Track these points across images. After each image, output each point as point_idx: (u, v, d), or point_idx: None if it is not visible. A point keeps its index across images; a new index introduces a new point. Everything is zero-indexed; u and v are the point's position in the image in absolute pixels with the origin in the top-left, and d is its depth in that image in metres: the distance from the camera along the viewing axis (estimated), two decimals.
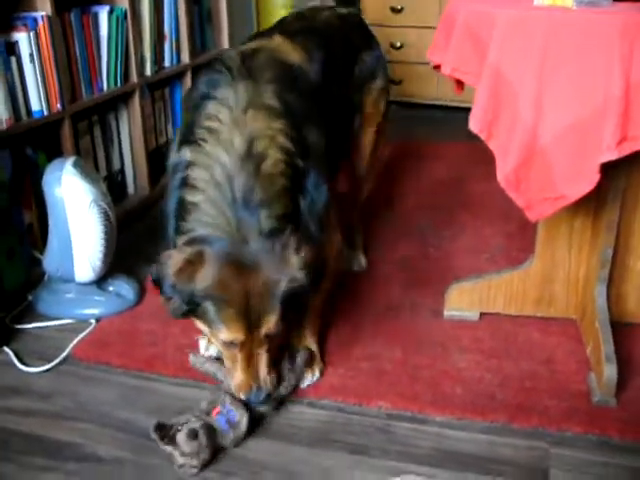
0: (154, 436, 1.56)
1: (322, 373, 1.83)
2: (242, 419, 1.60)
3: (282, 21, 2.23)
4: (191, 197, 1.57)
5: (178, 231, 1.59)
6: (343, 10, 2.32)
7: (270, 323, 1.53)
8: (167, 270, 1.50)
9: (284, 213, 1.56)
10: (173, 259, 1.50)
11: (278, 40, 1.91)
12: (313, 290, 1.58)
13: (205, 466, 1.55)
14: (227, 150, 1.57)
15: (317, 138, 1.75)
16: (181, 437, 1.56)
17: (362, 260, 2.45)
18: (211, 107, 1.65)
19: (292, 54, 1.86)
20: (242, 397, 1.61)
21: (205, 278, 1.48)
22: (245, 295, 1.49)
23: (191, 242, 1.53)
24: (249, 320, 1.51)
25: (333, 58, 2.01)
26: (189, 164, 1.61)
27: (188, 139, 1.65)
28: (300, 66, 1.84)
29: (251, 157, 1.56)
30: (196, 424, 1.57)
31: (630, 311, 2.00)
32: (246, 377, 1.59)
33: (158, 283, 1.54)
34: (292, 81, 1.77)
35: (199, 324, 1.59)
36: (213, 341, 1.65)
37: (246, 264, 1.49)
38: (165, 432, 1.57)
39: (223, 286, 1.48)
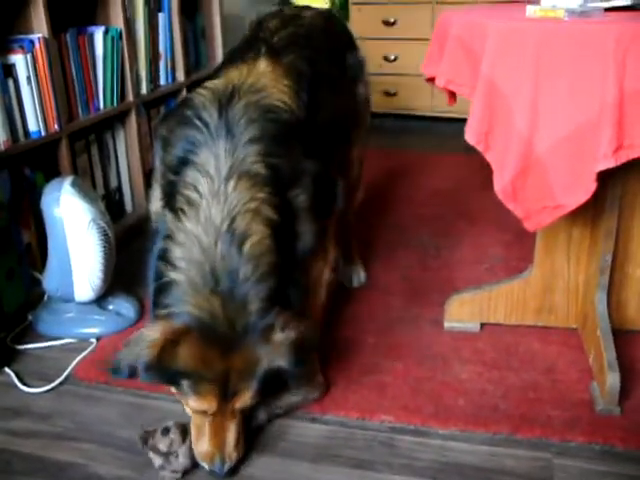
0: (139, 443, 1.57)
1: (324, 389, 1.82)
2: None
3: (262, 26, 2.03)
4: (171, 274, 1.50)
5: (157, 305, 1.54)
6: (323, 9, 2.25)
7: (245, 399, 1.51)
8: (144, 351, 1.41)
9: (272, 293, 1.49)
10: (150, 339, 1.42)
11: (263, 66, 1.74)
12: (298, 369, 1.51)
13: (186, 473, 1.56)
14: (206, 230, 1.49)
15: (304, 196, 1.64)
16: (157, 436, 1.58)
17: (361, 274, 2.44)
18: (190, 175, 1.55)
19: (280, 88, 1.70)
20: (205, 466, 1.57)
21: (185, 355, 1.44)
22: (224, 373, 1.46)
23: (169, 318, 1.47)
24: (224, 395, 1.49)
25: (323, 71, 1.91)
26: (167, 236, 1.54)
27: (170, 204, 1.59)
28: (289, 109, 1.68)
29: (233, 237, 1.48)
30: (169, 423, 1.60)
31: (631, 318, 2.00)
32: (211, 448, 1.55)
33: (123, 366, 1.47)
34: (279, 136, 1.62)
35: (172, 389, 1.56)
36: (184, 404, 1.59)
37: (228, 343, 1.45)
38: (147, 437, 1.59)
39: (204, 365, 1.45)
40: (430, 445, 1.65)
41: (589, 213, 1.87)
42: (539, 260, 2.00)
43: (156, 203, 1.70)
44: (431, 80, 1.88)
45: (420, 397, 1.79)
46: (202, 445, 1.56)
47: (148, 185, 2.97)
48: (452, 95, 1.92)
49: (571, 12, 1.56)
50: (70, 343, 2.10)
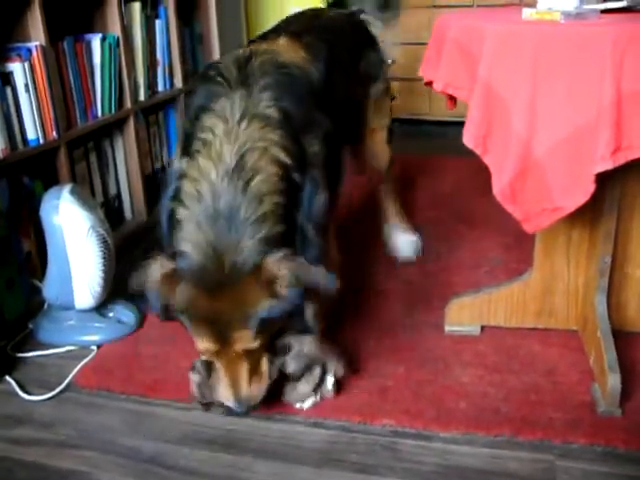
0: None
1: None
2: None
3: (286, 20, 2.19)
4: (179, 212, 1.55)
5: (169, 245, 1.59)
6: (346, 10, 2.33)
7: (244, 339, 1.53)
8: (147, 281, 1.53)
9: (272, 234, 1.50)
10: (151, 273, 1.52)
11: (282, 41, 1.87)
12: (305, 305, 1.55)
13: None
14: (216, 164, 1.54)
15: (318, 147, 1.69)
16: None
17: (418, 243, 2.55)
18: (207, 119, 1.63)
19: (295, 55, 1.80)
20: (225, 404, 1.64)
21: (179, 295, 1.50)
22: (214, 314, 1.49)
23: (171, 257, 1.53)
24: (221, 335, 1.52)
25: (340, 57, 1.99)
26: (181, 176, 1.59)
27: (186, 150, 1.64)
28: (302, 68, 1.78)
29: (240, 172, 1.52)
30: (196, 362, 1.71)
31: (631, 319, 2.00)
32: (225, 388, 1.61)
33: (138, 290, 1.56)
34: (292, 85, 1.70)
35: None
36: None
37: (216, 284, 1.47)
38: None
39: (194, 304, 1.50)
40: (432, 449, 1.65)
41: (588, 215, 1.87)
42: (539, 263, 2.01)
43: (174, 164, 1.72)
44: (429, 84, 1.88)
45: (422, 401, 1.79)
46: (217, 385, 1.62)
47: (147, 191, 2.99)
48: (452, 99, 1.92)
49: (567, 15, 1.56)
50: (71, 351, 2.10)
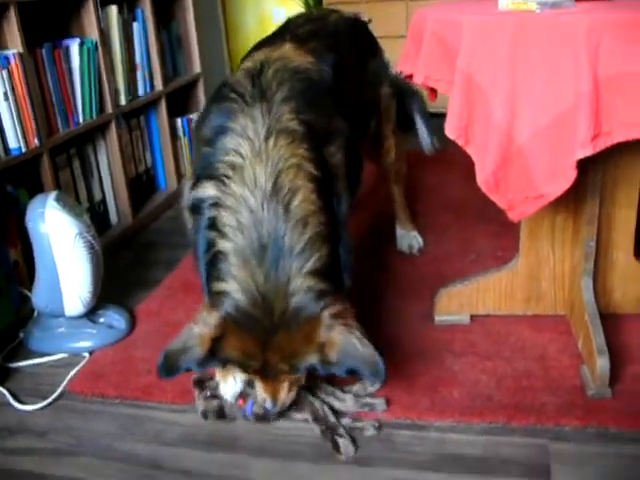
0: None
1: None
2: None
3: (289, 24, 2.13)
4: (220, 244, 1.49)
5: (210, 278, 1.53)
6: (349, 14, 2.32)
7: (289, 379, 1.55)
8: (195, 349, 1.45)
9: (320, 264, 1.46)
10: (199, 339, 1.45)
11: (288, 47, 1.82)
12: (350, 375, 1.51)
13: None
14: (252, 190, 1.48)
15: (340, 155, 1.66)
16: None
17: (419, 239, 2.57)
18: (229, 140, 1.56)
19: (304, 61, 1.76)
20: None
21: (230, 349, 1.46)
22: (264, 362, 1.48)
23: (215, 300, 1.48)
24: (268, 377, 1.53)
25: (346, 62, 1.97)
26: (215, 204, 1.53)
27: (209, 174, 1.57)
28: (315, 73, 1.74)
29: (278, 195, 1.47)
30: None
31: (617, 302, 2.03)
32: (264, 395, 1.60)
33: (175, 364, 1.48)
34: (310, 93, 1.66)
35: None
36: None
37: (266, 332, 1.44)
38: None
39: (245, 355, 1.47)
40: (428, 438, 1.66)
41: (571, 201, 1.89)
42: (524, 250, 2.02)
43: (190, 190, 1.66)
44: (409, 77, 1.89)
45: (415, 391, 1.80)
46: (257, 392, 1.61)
47: (132, 195, 2.99)
48: (433, 91, 1.93)
49: (543, 4, 1.58)
50: (63, 358, 2.09)
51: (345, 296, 1.54)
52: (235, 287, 1.45)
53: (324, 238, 1.50)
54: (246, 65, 1.77)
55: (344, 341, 1.44)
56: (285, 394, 1.59)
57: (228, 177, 1.52)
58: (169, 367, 1.48)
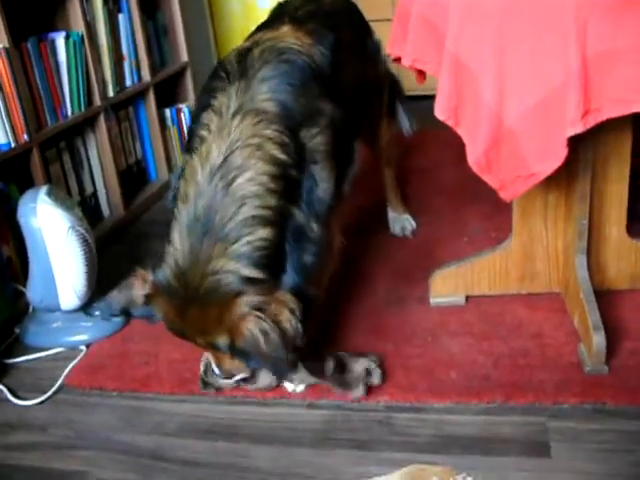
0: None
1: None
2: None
3: (286, 5, 2.10)
4: (175, 213, 1.53)
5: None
6: None
7: (218, 352, 1.59)
8: (133, 300, 1.58)
9: (249, 249, 1.45)
10: (135, 291, 1.57)
11: (285, 28, 1.81)
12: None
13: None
14: (203, 164, 1.49)
15: (321, 138, 1.62)
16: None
17: (411, 222, 2.59)
18: (205, 115, 1.60)
19: (298, 41, 1.74)
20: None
21: (156, 307, 1.55)
22: (182, 330, 1.55)
23: (158, 262, 1.54)
24: (197, 343, 1.58)
25: (346, 41, 1.96)
26: (180, 176, 1.58)
27: (187, 147, 1.63)
28: (305, 53, 1.71)
29: (225, 171, 1.47)
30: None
31: (611, 278, 2.03)
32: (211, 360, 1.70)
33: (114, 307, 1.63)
34: (293, 74, 1.64)
35: None
36: None
37: (183, 302, 1.49)
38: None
39: (166, 318, 1.55)
40: (427, 420, 1.67)
41: (563, 179, 1.89)
42: (517, 229, 2.03)
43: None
44: (397, 60, 1.88)
45: (413, 374, 1.81)
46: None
47: (123, 187, 2.98)
48: (420, 73, 1.92)
49: None
50: (60, 352, 2.09)
51: (288, 291, 1.51)
52: (169, 256, 1.49)
53: (264, 222, 1.47)
54: (241, 45, 1.79)
55: (250, 333, 1.45)
56: (229, 364, 1.64)
57: (194, 150, 1.55)
58: (114, 309, 1.64)
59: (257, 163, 1.49)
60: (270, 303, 1.46)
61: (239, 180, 1.47)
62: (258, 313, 1.44)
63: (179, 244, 1.48)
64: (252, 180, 1.48)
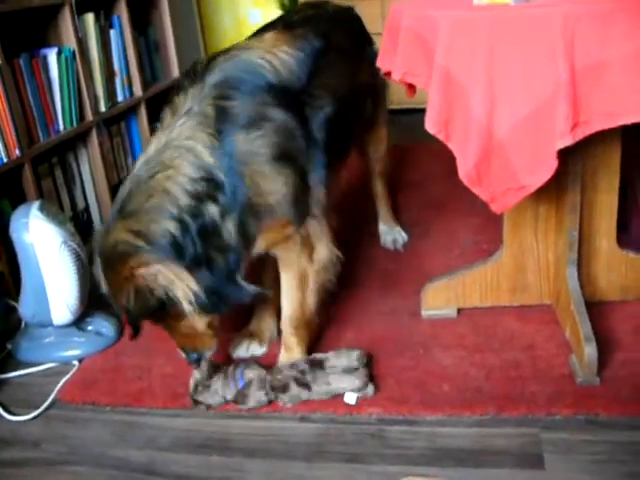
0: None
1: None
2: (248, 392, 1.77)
3: (288, 12, 2.24)
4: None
5: None
6: (345, 5, 2.37)
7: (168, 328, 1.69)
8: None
9: (144, 228, 1.53)
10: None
11: (269, 35, 1.85)
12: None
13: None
14: (142, 156, 1.62)
15: (263, 141, 1.65)
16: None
17: (402, 234, 2.63)
18: (165, 111, 1.69)
19: (265, 54, 1.76)
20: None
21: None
22: (111, 297, 1.63)
23: None
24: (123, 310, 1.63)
25: (339, 47, 2.01)
26: None
27: None
28: (266, 66, 1.73)
29: (153, 165, 1.57)
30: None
31: (602, 289, 2.05)
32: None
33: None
34: (242, 82, 1.68)
35: None
36: None
37: (102, 271, 1.61)
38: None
39: (105, 292, 1.64)
40: (420, 433, 1.67)
41: (553, 191, 1.90)
42: (508, 241, 2.04)
43: None
44: (387, 74, 1.90)
45: (405, 387, 1.81)
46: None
47: None
48: (410, 87, 1.93)
49: None
50: (52, 367, 2.09)
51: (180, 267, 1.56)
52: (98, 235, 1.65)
53: (167, 216, 1.53)
54: (221, 50, 1.85)
55: (131, 289, 1.54)
56: (186, 340, 1.72)
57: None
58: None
59: (182, 164, 1.56)
60: (162, 272, 1.53)
61: (159, 175, 1.55)
62: (143, 274, 1.53)
63: (104, 221, 1.60)
64: (170, 178, 1.55)
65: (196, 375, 1.79)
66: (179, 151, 1.57)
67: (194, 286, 1.54)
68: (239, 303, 1.68)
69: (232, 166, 1.60)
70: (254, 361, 1.89)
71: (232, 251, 1.62)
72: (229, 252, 1.61)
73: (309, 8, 2.21)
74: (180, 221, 1.54)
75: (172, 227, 1.53)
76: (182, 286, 1.53)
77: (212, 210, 1.57)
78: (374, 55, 2.34)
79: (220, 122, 1.62)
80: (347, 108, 2.01)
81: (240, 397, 1.76)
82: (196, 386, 1.79)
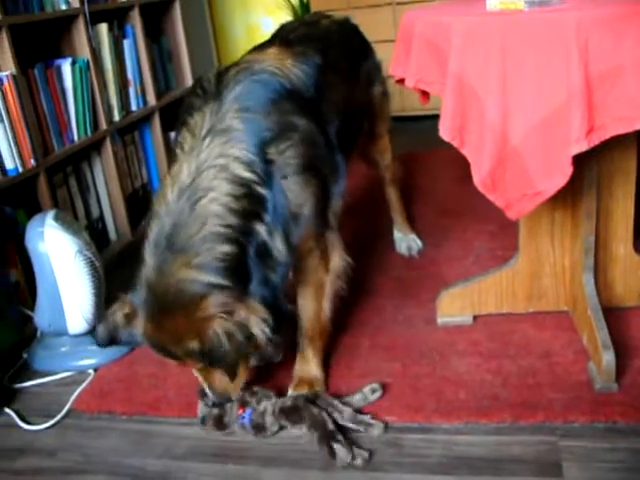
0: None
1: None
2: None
3: (282, 29, 2.17)
4: (146, 234, 1.57)
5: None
6: (340, 18, 2.35)
7: (195, 364, 1.58)
8: (116, 323, 1.59)
9: (209, 260, 1.48)
10: (117, 315, 1.59)
11: (272, 49, 1.85)
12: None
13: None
14: (173, 185, 1.54)
15: (293, 152, 1.64)
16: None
17: (417, 241, 2.63)
18: (181, 134, 1.64)
19: (277, 62, 1.76)
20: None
21: (140, 328, 1.55)
22: (160, 343, 1.54)
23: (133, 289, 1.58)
24: (177, 359, 1.56)
25: (335, 63, 2.00)
26: (156, 195, 1.63)
27: (168, 165, 1.67)
28: (279, 74, 1.73)
29: (191, 192, 1.51)
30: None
31: (619, 295, 2.03)
32: (202, 383, 1.67)
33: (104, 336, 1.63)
34: (263, 92, 1.66)
35: None
36: None
37: (155, 315, 1.51)
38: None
39: (145, 337, 1.54)
40: (436, 441, 1.66)
41: (569, 197, 1.89)
42: (524, 247, 2.03)
43: None
44: (401, 81, 1.90)
45: (421, 394, 1.80)
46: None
47: (130, 211, 2.99)
48: (424, 93, 1.94)
49: (531, 3, 1.58)
50: (68, 377, 2.10)
51: (250, 298, 1.52)
52: (141, 274, 1.53)
53: (223, 240, 1.50)
54: (222, 65, 1.85)
55: (214, 332, 1.47)
56: (219, 382, 1.62)
57: (169, 171, 1.60)
58: (101, 337, 1.64)
59: (221, 184, 1.52)
60: (238, 308, 1.49)
61: (203, 201, 1.51)
62: (223, 314, 1.47)
63: (148, 261, 1.52)
64: (215, 200, 1.51)
65: (202, 408, 1.77)
66: (214, 171, 1.53)
67: (264, 314, 1.50)
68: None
69: (270, 179, 1.58)
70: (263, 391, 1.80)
71: (281, 266, 1.61)
72: (279, 267, 1.60)
73: (302, 25, 2.18)
74: (235, 241, 1.51)
75: (229, 249, 1.50)
76: (256, 319, 1.49)
77: (261, 230, 1.56)
78: (374, 65, 2.36)
79: (249, 135, 1.58)
80: (348, 122, 2.01)
81: (260, 427, 1.73)
82: (203, 417, 1.77)
